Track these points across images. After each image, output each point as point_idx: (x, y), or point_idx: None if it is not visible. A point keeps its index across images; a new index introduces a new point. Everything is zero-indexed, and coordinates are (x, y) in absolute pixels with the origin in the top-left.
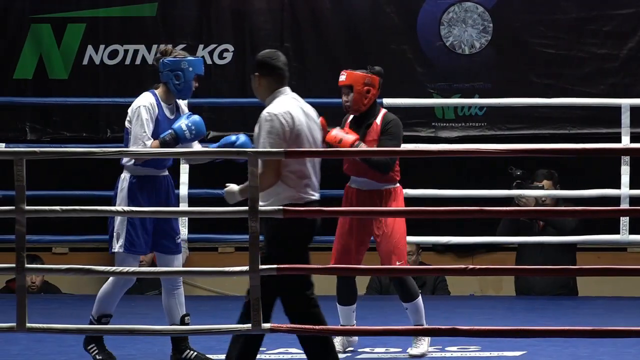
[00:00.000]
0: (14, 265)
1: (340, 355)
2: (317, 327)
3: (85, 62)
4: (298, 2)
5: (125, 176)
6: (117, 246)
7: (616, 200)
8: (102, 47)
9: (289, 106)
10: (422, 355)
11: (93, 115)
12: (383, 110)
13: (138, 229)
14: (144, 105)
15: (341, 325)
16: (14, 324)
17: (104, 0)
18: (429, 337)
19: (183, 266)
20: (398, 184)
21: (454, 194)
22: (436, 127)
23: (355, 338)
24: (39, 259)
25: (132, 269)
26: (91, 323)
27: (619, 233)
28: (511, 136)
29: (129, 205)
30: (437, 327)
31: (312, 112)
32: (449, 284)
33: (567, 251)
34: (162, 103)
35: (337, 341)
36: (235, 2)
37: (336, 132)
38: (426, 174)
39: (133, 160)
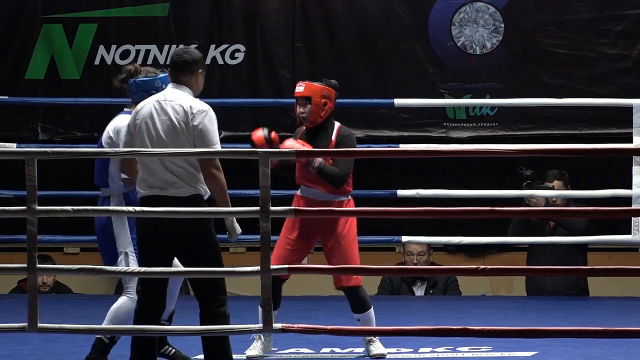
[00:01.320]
0: (25, 265)
1: (348, 356)
2: (328, 327)
3: (97, 62)
4: (310, 3)
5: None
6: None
7: (628, 200)
8: (113, 47)
9: (146, 100)
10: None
11: (105, 116)
12: (337, 124)
13: None
14: (125, 124)
15: None
16: (26, 324)
17: (115, 1)
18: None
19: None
20: (350, 197)
21: (465, 194)
22: (447, 128)
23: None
24: (50, 259)
25: (141, 269)
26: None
27: (630, 233)
28: (522, 136)
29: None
30: (448, 327)
31: (174, 110)
32: (461, 284)
33: (578, 251)
34: None
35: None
36: (247, 3)
37: (291, 143)
38: (437, 174)
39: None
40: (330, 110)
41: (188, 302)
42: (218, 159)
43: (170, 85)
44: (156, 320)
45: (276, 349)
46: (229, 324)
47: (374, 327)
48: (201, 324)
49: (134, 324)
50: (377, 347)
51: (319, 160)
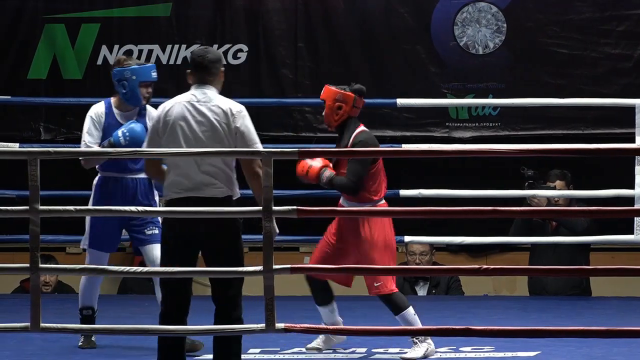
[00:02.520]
0: (28, 265)
1: (350, 356)
2: (330, 327)
3: (99, 62)
4: (312, 3)
5: (97, 177)
6: (83, 243)
7: (630, 200)
8: (116, 47)
9: (173, 100)
10: (420, 358)
11: None
12: (358, 130)
13: (100, 228)
14: (90, 114)
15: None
16: (28, 324)
17: (118, 0)
18: (429, 341)
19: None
20: (377, 204)
21: (468, 194)
22: (450, 127)
23: (343, 337)
24: (53, 258)
25: (142, 269)
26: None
27: (633, 233)
28: (525, 136)
29: (94, 204)
30: (451, 327)
31: (212, 111)
32: (463, 284)
33: (580, 251)
34: (115, 110)
35: (319, 340)
36: (249, 2)
37: (305, 161)
38: (440, 174)
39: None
40: (347, 115)
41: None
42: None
43: (195, 86)
44: (183, 320)
45: (279, 348)
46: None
47: (417, 326)
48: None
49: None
50: (412, 352)
51: (326, 175)
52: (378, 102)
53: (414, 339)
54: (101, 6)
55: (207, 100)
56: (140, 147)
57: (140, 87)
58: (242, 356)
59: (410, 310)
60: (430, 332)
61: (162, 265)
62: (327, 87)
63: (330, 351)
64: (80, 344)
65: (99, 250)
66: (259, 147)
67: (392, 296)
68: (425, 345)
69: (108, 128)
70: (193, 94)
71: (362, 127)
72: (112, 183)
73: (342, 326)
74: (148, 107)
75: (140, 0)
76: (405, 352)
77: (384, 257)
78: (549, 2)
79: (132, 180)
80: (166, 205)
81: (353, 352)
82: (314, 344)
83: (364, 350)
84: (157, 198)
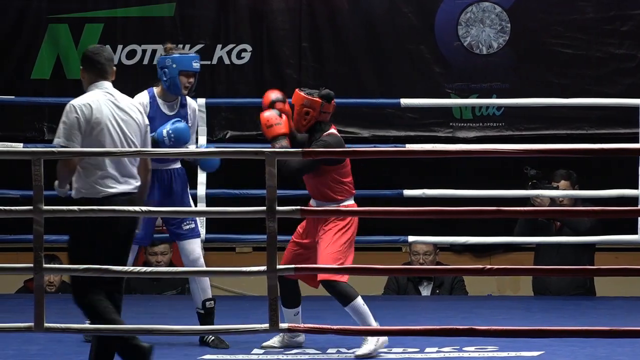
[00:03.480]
0: (32, 265)
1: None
2: (334, 327)
3: None
4: (316, 2)
5: None
6: None
7: (634, 200)
8: (120, 47)
9: (91, 98)
10: (369, 355)
11: None
12: (325, 133)
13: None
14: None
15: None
16: (32, 324)
17: (121, 0)
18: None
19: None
20: (341, 204)
21: (472, 194)
22: (454, 127)
23: (302, 338)
24: (57, 258)
25: (147, 269)
26: None
27: (637, 233)
28: (529, 136)
29: None
30: (455, 327)
31: (134, 108)
32: (467, 284)
33: (584, 251)
34: (159, 99)
35: (276, 339)
36: (253, 2)
37: (270, 114)
38: (444, 174)
39: None
40: (315, 119)
41: (192, 302)
42: None
43: (106, 83)
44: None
45: (282, 349)
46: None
47: (371, 319)
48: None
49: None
50: (363, 348)
51: (282, 144)
52: (382, 102)
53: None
54: (105, 6)
55: (123, 99)
56: (183, 147)
57: (181, 76)
58: (246, 356)
59: (359, 300)
60: (434, 332)
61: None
62: (297, 92)
63: (334, 351)
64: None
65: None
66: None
67: (338, 286)
68: (374, 339)
69: (153, 118)
70: (108, 92)
71: (330, 131)
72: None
73: (348, 327)
74: (189, 98)
75: (144, 0)
76: (356, 350)
77: (348, 255)
78: (553, 2)
79: (167, 172)
80: (86, 204)
81: (355, 352)
82: (269, 342)
83: (379, 350)
84: (188, 190)
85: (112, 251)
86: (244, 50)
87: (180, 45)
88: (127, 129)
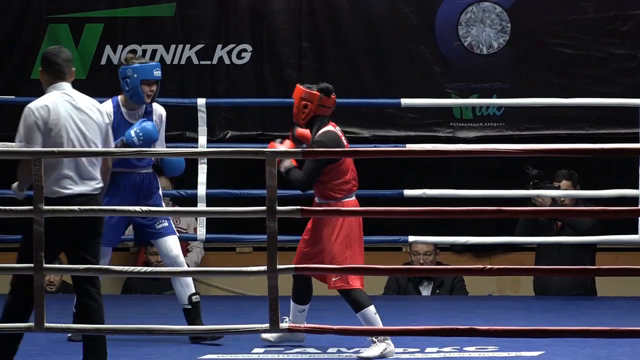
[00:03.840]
0: (32, 265)
1: (354, 356)
2: (335, 327)
3: (103, 62)
4: (316, 2)
5: None
6: None
7: (635, 200)
8: (120, 47)
9: (49, 100)
10: (375, 357)
11: None
12: (323, 129)
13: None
14: None
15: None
16: (33, 324)
17: (121, 1)
18: (389, 341)
19: (199, 266)
20: (342, 202)
21: (472, 194)
22: (454, 127)
23: (303, 336)
24: (57, 258)
25: (148, 268)
26: None
27: (637, 233)
28: (529, 136)
29: (108, 199)
30: (455, 327)
31: (93, 108)
32: (467, 284)
33: (585, 251)
34: (123, 108)
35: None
36: (253, 2)
37: (273, 143)
38: (444, 174)
39: None
40: (314, 113)
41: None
42: None
43: (64, 84)
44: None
45: (282, 348)
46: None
47: (379, 326)
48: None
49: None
50: (369, 351)
51: (285, 165)
52: (382, 102)
53: (373, 338)
54: (105, 6)
55: (82, 99)
56: (152, 145)
57: (142, 85)
58: (247, 356)
59: (372, 309)
60: (434, 332)
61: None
62: (297, 86)
63: (335, 351)
64: None
65: (108, 245)
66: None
67: (352, 293)
68: (383, 345)
69: (117, 127)
70: (66, 93)
71: (327, 127)
72: (123, 179)
73: (349, 326)
74: (155, 105)
75: (144, 0)
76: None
77: (345, 253)
78: (553, 2)
79: (139, 175)
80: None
81: (357, 352)
82: (267, 335)
83: None
84: (160, 192)
85: (60, 252)
86: (244, 50)
87: (140, 54)
88: (86, 129)
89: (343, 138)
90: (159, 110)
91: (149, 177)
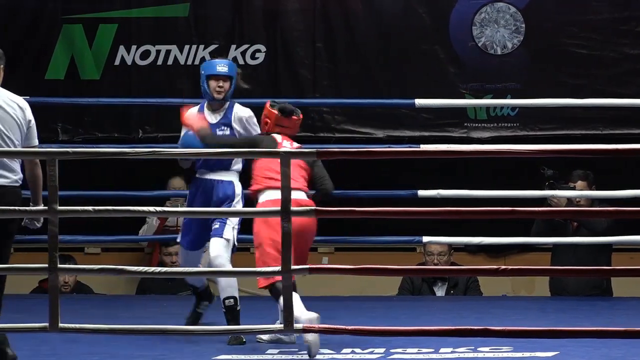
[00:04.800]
0: (46, 265)
1: (368, 357)
2: (349, 327)
3: (117, 62)
4: (330, 3)
5: None
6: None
7: None
8: (134, 47)
9: None
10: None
11: (125, 116)
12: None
13: (186, 227)
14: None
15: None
16: (47, 324)
17: (136, 1)
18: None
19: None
20: (257, 194)
21: (486, 194)
22: (468, 128)
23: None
24: (71, 259)
25: (162, 269)
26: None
27: None
28: (543, 137)
29: (189, 201)
30: (469, 327)
31: (12, 104)
32: (481, 284)
33: (601, 252)
34: (206, 109)
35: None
36: (267, 3)
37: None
38: (458, 175)
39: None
40: (272, 131)
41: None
42: None
43: None
44: None
45: (297, 349)
46: None
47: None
48: None
49: None
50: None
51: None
52: (396, 103)
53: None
54: (119, 6)
55: (1, 95)
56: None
57: (209, 80)
58: (261, 356)
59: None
60: (448, 333)
61: None
62: (267, 102)
63: (349, 351)
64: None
65: (185, 248)
66: (37, 143)
67: (274, 286)
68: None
69: None
70: None
71: (271, 135)
72: (199, 182)
73: (363, 327)
74: (236, 107)
75: (158, 1)
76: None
77: (263, 253)
78: (567, 3)
79: (209, 182)
80: None
81: (371, 352)
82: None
83: (382, 350)
84: (238, 191)
85: None
86: (258, 50)
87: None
88: (2, 125)
89: (283, 144)
90: (239, 112)
91: (221, 185)
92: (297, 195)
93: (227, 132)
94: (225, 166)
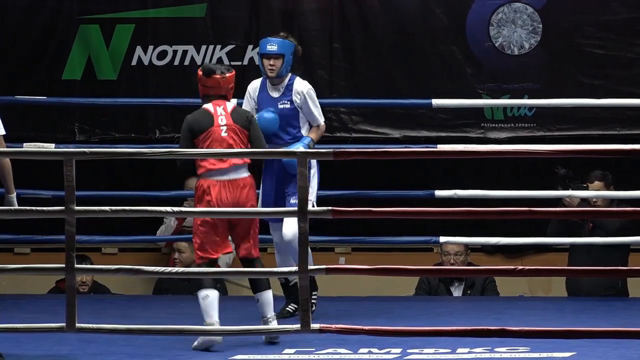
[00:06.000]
0: (63, 265)
1: (385, 357)
2: (366, 327)
3: (134, 62)
4: (347, 3)
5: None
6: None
7: None
8: (150, 47)
9: None
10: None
11: (142, 116)
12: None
13: (265, 205)
14: (248, 88)
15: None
16: (64, 324)
17: (153, 1)
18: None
19: (231, 266)
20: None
21: (504, 194)
22: (485, 128)
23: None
24: (88, 259)
25: (178, 269)
26: None
27: None
28: (561, 137)
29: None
30: (486, 327)
31: None
32: (498, 284)
33: (617, 252)
34: (268, 83)
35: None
36: (284, 3)
37: None
38: (475, 175)
39: None
40: (202, 93)
41: (223, 303)
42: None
43: None
44: None
45: (314, 349)
46: None
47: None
48: None
49: None
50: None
51: None
52: (413, 103)
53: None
54: (136, 7)
55: None
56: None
57: (263, 59)
58: (277, 356)
59: (203, 292)
60: (465, 333)
61: None
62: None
63: (366, 351)
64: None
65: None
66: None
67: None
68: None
69: (261, 100)
70: None
71: (203, 106)
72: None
73: (380, 327)
74: (297, 81)
75: (175, 1)
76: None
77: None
78: (585, 3)
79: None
80: None
81: (388, 353)
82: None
83: (399, 350)
84: (314, 173)
85: None
86: None
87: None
88: None
89: (218, 114)
90: (299, 87)
91: (287, 164)
92: (243, 174)
93: (288, 105)
94: (294, 136)
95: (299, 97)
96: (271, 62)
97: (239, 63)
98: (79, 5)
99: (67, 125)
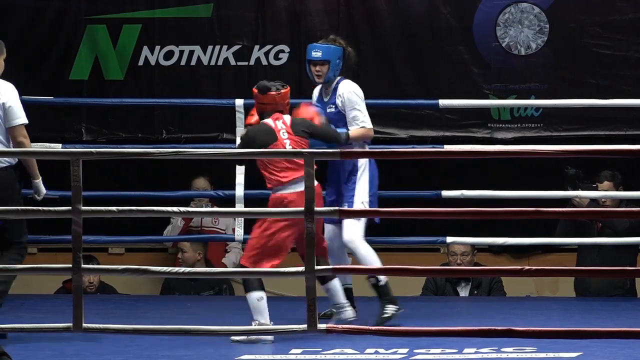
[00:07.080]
0: (70, 265)
1: (392, 357)
2: (372, 327)
3: (140, 62)
4: (354, 3)
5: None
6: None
7: None
8: (157, 47)
9: None
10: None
11: (149, 116)
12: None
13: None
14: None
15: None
16: (71, 324)
17: (159, 1)
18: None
19: (237, 266)
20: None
21: (510, 195)
22: (492, 128)
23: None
24: (95, 259)
25: (185, 269)
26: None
27: None
28: (567, 137)
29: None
30: (493, 328)
31: None
32: (505, 284)
33: (625, 252)
34: (322, 87)
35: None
36: (291, 3)
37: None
38: (482, 175)
39: None
40: (260, 110)
41: (229, 303)
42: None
43: None
44: None
45: (321, 349)
46: None
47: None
48: None
49: None
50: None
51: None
52: (420, 103)
53: (254, 321)
54: (143, 7)
55: None
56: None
57: (310, 65)
58: (284, 356)
59: (255, 294)
60: (472, 333)
61: None
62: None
63: (372, 351)
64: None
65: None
66: (23, 120)
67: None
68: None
69: (317, 104)
70: None
71: (263, 120)
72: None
73: (387, 327)
74: (343, 84)
75: (181, 1)
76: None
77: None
78: (591, 3)
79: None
80: None
81: (395, 353)
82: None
83: (405, 350)
84: (363, 171)
85: None
86: (282, 51)
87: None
88: None
89: (278, 129)
90: (341, 89)
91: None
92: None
93: (333, 109)
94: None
95: (340, 99)
96: (317, 69)
97: (245, 63)
98: (86, 5)
99: (74, 126)
